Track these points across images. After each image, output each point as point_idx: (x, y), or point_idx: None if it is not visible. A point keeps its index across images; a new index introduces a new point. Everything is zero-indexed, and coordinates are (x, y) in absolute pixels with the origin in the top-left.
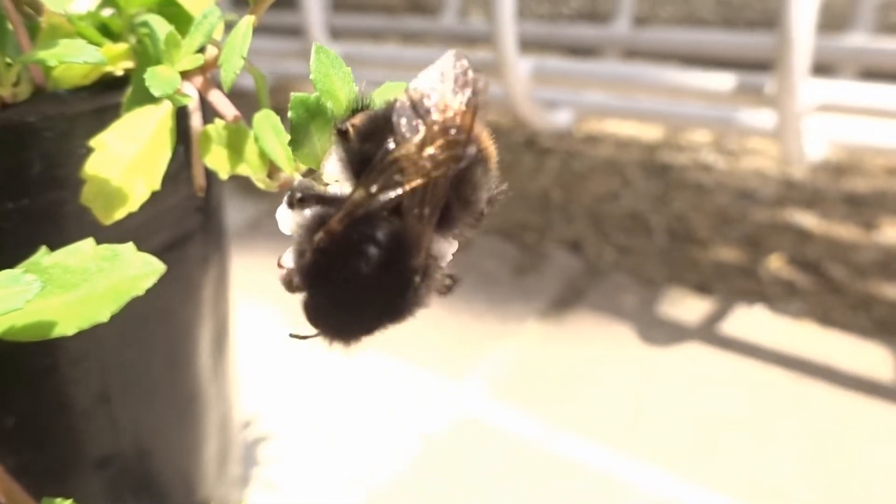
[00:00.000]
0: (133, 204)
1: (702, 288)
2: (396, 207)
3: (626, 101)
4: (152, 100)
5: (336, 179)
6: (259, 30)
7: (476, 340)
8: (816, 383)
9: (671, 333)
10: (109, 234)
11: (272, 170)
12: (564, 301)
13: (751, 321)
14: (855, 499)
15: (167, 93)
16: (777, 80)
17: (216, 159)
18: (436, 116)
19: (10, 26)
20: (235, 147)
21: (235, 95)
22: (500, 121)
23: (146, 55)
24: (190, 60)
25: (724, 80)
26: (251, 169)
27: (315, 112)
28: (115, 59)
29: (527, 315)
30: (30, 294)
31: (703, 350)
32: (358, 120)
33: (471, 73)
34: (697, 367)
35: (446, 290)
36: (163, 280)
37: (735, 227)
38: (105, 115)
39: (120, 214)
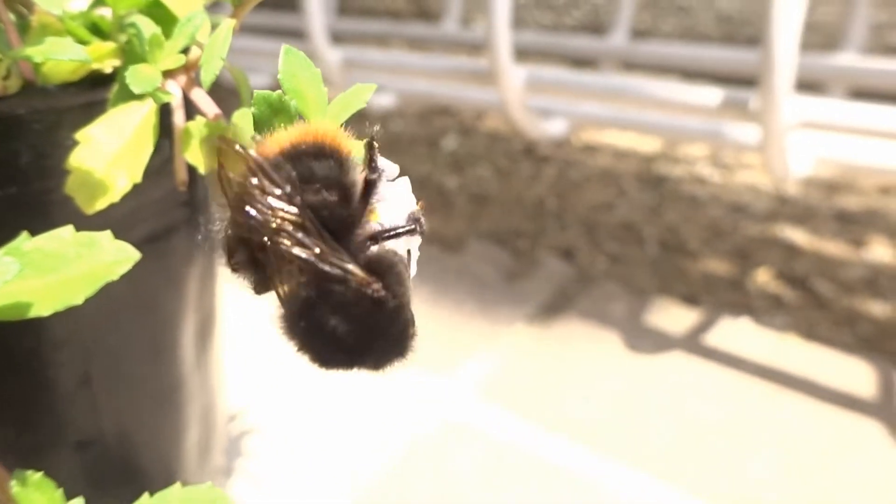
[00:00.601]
0: (115, 195)
1: (689, 299)
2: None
3: (620, 113)
4: (137, 97)
5: None
6: (262, 32)
7: (465, 342)
8: (797, 396)
9: (657, 342)
10: (94, 224)
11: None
12: (554, 307)
13: (735, 333)
14: None
15: (147, 90)
16: (761, 95)
17: (196, 155)
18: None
19: (0, 24)
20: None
21: (229, 93)
22: (500, 128)
23: (133, 54)
24: (173, 60)
25: (710, 95)
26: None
27: (278, 108)
28: (102, 57)
29: (516, 319)
30: (8, 275)
31: (688, 359)
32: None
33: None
34: (681, 376)
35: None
36: (146, 270)
37: (726, 240)
38: (92, 110)
39: (102, 204)
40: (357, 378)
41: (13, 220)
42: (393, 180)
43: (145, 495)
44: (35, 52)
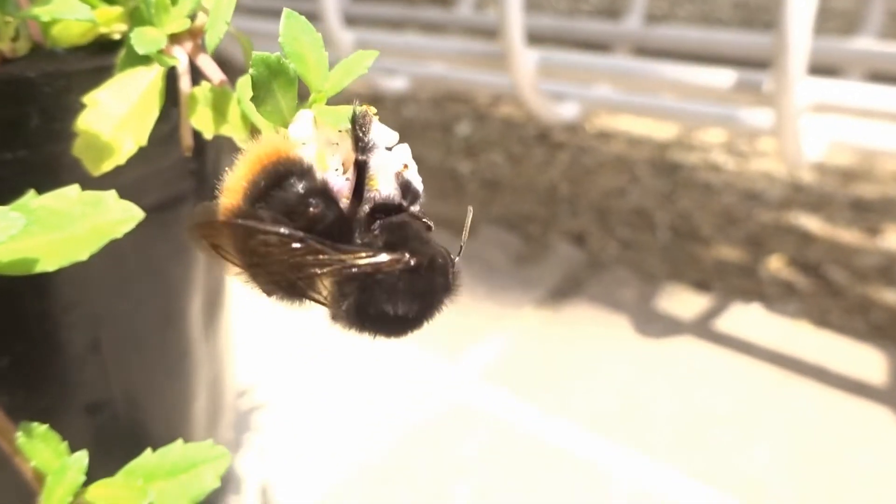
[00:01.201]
0: (121, 157)
1: (701, 285)
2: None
3: (632, 97)
4: (144, 62)
5: (304, 143)
6: (275, 14)
7: (473, 325)
8: (807, 383)
9: (667, 327)
10: (102, 189)
11: (253, 131)
12: (563, 291)
13: (747, 319)
14: (831, 493)
15: (151, 51)
16: (774, 76)
17: (201, 120)
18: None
19: None
20: (220, 109)
21: (239, 72)
22: (514, 114)
23: (140, 18)
24: (178, 24)
25: (723, 77)
26: (233, 130)
27: (277, 70)
28: (109, 21)
29: (525, 303)
30: (14, 229)
31: (698, 345)
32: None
33: None
34: (690, 362)
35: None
36: (155, 238)
37: (739, 227)
38: (100, 75)
39: (108, 166)
40: (365, 359)
41: (24, 182)
42: (390, 148)
43: (147, 450)
44: (42, 12)
